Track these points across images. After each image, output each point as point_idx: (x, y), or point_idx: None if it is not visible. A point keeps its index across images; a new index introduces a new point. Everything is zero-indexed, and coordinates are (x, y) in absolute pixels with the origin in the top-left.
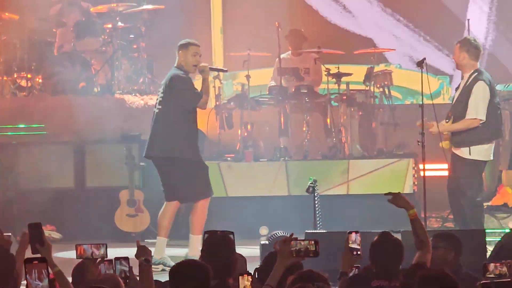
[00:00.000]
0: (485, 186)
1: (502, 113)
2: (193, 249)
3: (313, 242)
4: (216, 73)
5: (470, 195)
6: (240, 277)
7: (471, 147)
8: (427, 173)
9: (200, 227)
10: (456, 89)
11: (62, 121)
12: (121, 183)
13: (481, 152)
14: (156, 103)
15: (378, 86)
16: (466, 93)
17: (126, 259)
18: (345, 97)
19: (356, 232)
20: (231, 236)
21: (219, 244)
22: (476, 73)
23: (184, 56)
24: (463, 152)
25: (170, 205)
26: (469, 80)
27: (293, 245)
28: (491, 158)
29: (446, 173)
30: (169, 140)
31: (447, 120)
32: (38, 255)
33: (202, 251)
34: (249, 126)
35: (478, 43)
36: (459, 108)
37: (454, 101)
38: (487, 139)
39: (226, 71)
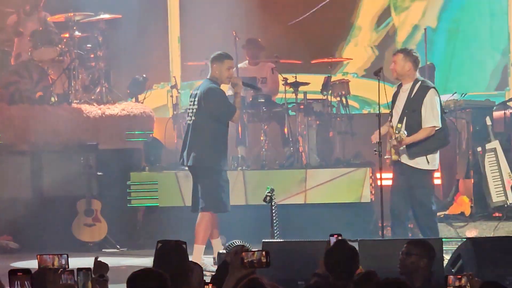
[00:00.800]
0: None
1: (459, 122)
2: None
3: (264, 252)
4: (174, 82)
5: (427, 205)
6: (205, 286)
7: (428, 156)
8: (384, 182)
9: (203, 238)
10: (394, 100)
11: (19, 131)
12: (78, 193)
13: (435, 161)
14: (188, 113)
15: (335, 95)
16: (416, 102)
17: (89, 269)
18: (302, 107)
19: (338, 235)
20: (184, 245)
21: (171, 253)
22: (421, 82)
23: (218, 69)
24: (418, 162)
25: (205, 215)
26: (416, 89)
27: (245, 257)
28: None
29: None
30: (204, 150)
31: (397, 132)
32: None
33: (154, 260)
34: None
35: (418, 54)
36: (412, 117)
37: (401, 112)
38: (440, 146)
39: (259, 89)
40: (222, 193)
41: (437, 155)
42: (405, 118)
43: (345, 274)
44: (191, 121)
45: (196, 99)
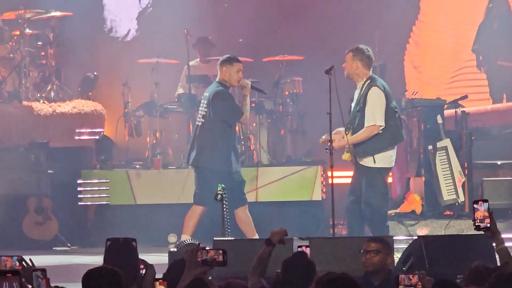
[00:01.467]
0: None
1: (410, 121)
2: None
3: (221, 251)
4: (125, 80)
5: (376, 204)
6: (156, 283)
7: (375, 156)
8: (335, 181)
9: (251, 230)
10: (352, 100)
11: None
12: (29, 191)
13: (385, 159)
14: (199, 115)
15: (286, 93)
16: (361, 101)
17: (44, 270)
18: (253, 104)
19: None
20: (134, 243)
21: (121, 251)
22: (369, 81)
23: (228, 72)
24: (367, 161)
25: (197, 208)
26: (363, 89)
27: (200, 255)
28: (393, 164)
29: None
30: (213, 152)
31: (347, 132)
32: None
33: (104, 259)
34: (157, 134)
35: (371, 52)
36: (357, 118)
37: (352, 111)
38: (389, 145)
39: (266, 93)
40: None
41: (387, 154)
42: (357, 117)
43: (302, 286)
44: (201, 123)
45: (206, 101)
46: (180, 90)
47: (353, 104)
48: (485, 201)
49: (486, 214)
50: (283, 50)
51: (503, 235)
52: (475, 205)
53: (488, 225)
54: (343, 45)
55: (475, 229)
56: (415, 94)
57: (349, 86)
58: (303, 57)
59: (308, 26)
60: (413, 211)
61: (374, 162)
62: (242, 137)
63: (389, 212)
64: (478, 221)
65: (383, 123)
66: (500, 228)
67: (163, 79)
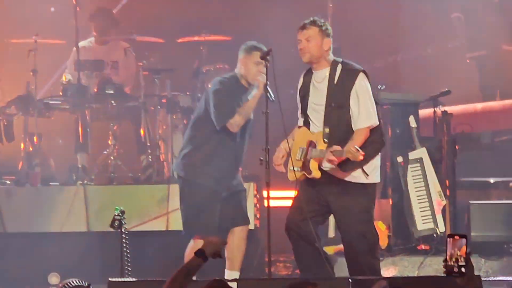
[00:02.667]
0: None
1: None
2: None
3: None
4: None
5: (372, 236)
6: None
7: (364, 167)
8: (273, 203)
9: (238, 260)
10: (304, 94)
11: None
12: None
13: (375, 170)
14: None
15: (209, 86)
16: (343, 93)
17: None
18: (165, 101)
19: None
20: None
21: None
22: (342, 64)
23: (244, 63)
24: (357, 177)
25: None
26: (338, 75)
27: None
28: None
29: None
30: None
31: (326, 140)
32: None
33: None
34: (35, 138)
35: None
36: (339, 116)
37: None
38: (377, 151)
39: (272, 100)
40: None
41: (376, 163)
42: (336, 115)
43: None
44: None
45: None
46: (68, 78)
47: (315, 96)
48: (463, 236)
49: (463, 254)
50: (204, 28)
51: (496, 278)
52: (448, 240)
53: (463, 269)
54: (285, 21)
55: (445, 273)
56: (381, 88)
57: (290, 76)
58: (230, 37)
59: None
60: None
61: (367, 176)
62: (148, 144)
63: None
64: (451, 263)
65: (377, 122)
66: (492, 268)
67: (44, 65)
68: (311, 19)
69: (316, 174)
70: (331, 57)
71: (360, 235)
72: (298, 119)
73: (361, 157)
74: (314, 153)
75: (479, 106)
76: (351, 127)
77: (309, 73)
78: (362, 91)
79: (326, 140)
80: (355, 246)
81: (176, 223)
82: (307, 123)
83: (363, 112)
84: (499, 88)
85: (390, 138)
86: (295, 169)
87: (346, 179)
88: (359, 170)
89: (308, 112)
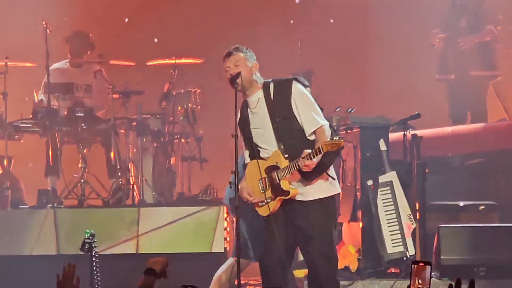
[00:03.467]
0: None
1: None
2: None
3: None
4: None
5: (331, 255)
6: None
7: (328, 172)
8: None
9: None
10: (244, 125)
11: None
12: None
13: (335, 177)
14: None
15: (180, 109)
16: (281, 106)
17: None
18: (135, 124)
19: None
20: None
21: None
22: (273, 81)
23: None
24: (312, 193)
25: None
26: (273, 91)
27: None
28: None
29: None
30: None
31: (286, 156)
32: None
33: None
34: (5, 162)
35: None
36: (285, 127)
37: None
38: (336, 155)
39: None
40: None
41: (333, 171)
42: (285, 128)
43: None
44: None
45: None
46: (41, 97)
47: (259, 122)
48: (428, 263)
49: (426, 282)
50: (175, 51)
51: None
52: (413, 267)
53: None
54: (255, 44)
55: None
56: (351, 111)
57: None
58: (201, 60)
59: (208, 20)
60: (346, 268)
61: (334, 179)
62: (119, 167)
63: None
64: None
65: (326, 121)
66: None
67: (14, 87)
68: (234, 46)
69: (294, 191)
70: (262, 79)
71: (322, 257)
72: (245, 157)
73: (343, 143)
74: (282, 174)
75: (448, 129)
76: (305, 135)
77: (244, 105)
78: (300, 97)
79: (286, 156)
80: (318, 268)
81: (146, 246)
82: (254, 155)
83: (310, 116)
84: (469, 111)
85: (360, 161)
86: (268, 201)
87: (302, 198)
88: (318, 183)
89: (255, 140)
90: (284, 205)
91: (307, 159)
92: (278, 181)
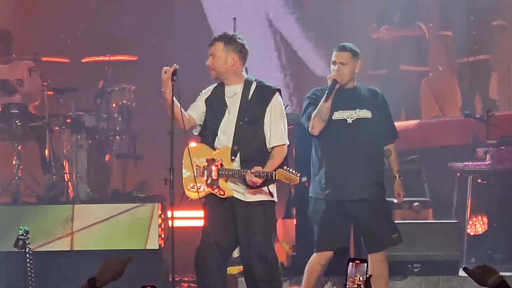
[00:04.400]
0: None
1: None
2: None
3: None
4: None
5: (268, 256)
6: None
7: (270, 186)
8: (178, 223)
9: None
10: (211, 103)
11: None
12: None
13: (275, 189)
14: None
15: (114, 105)
16: (255, 108)
17: None
18: (70, 121)
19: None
20: None
21: None
22: (257, 82)
23: None
24: (256, 195)
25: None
26: (253, 92)
27: None
28: None
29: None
30: None
31: (233, 158)
32: None
33: None
34: None
35: (243, 40)
36: (249, 130)
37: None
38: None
39: None
40: None
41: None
42: (248, 132)
43: None
44: None
45: None
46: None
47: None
48: (364, 261)
49: (361, 279)
50: (109, 48)
51: None
52: (350, 264)
53: None
54: (193, 38)
55: None
56: (286, 108)
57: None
58: (136, 57)
59: (143, 15)
60: (281, 264)
61: (272, 196)
62: (53, 164)
63: None
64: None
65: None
66: None
67: None
68: (221, 33)
69: (230, 193)
70: (244, 75)
71: (260, 258)
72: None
73: (298, 181)
74: (223, 173)
75: None
76: (265, 143)
77: (221, 87)
78: (278, 110)
79: (234, 158)
80: (255, 269)
81: (81, 242)
82: (207, 139)
83: (279, 131)
84: (403, 107)
85: (294, 158)
86: (198, 186)
87: (242, 198)
88: (244, 188)
89: (220, 129)
90: (221, 199)
91: (255, 176)
92: (217, 177)
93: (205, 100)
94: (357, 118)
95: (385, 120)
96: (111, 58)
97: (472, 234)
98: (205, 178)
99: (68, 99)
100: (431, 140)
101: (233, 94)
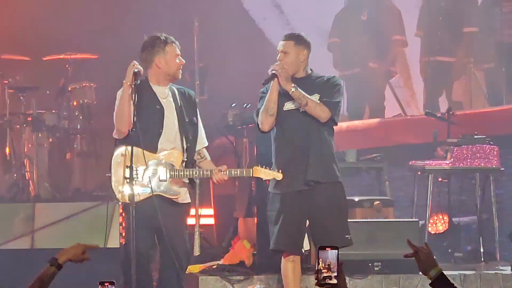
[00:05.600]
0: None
1: (239, 142)
2: None
3: None
4: None
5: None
6: None
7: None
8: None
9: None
10: (147, 104)
11: None
12: None
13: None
14: None
15: (75, 104)
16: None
17: None
18: (30, 119)
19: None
20: None
21: None
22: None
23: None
24: (183, 197)
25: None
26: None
27: None
28: None
29: None
30: None
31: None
32: None
33: None
34: None
35: None
36: (191, 130)
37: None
38: None
39: None
40: None
41: None
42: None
43: None
44: None
45: None
46: None
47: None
48: (335, 248)
49: (334, 266)
50: (70, 46)
51: None
52: (320, 252)
53: (335, 281)
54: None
55: (316, 284)
56: (247, 107)
57: None
58: (97, 56)
59: (104, 13)
60: (241, 263)
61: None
62: (13, 162)
63: (211, 264)
64: (322, 274)
65: None
66: (357, 286)
67: None
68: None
69: (176, 194)
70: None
71: (187, 255)
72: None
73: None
74: (174, 173)
75: (344, 125)
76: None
77: (146, 85)
78: (197, 111)
79: (185, 158)
80: (180, 265)
81: (42, 241)
82: (145, 141)
83: (203, 132)
84: (368, 105)
85: (256, 157)
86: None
87: (174, 198)
88: (185, 190)
89: (164, 129)
90: (151, 200)
91: (224, 174)
92: (166, 179)
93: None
94: None
95: (325, 98)
96: (72, 56)
97: (433, 232)
98: (148, 180)
99: (29, 98)
100: (392, 138)
101: (166, 96)
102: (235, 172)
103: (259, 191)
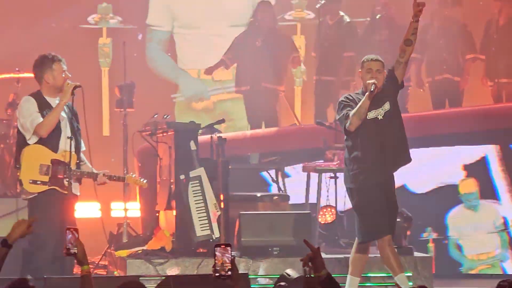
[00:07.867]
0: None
1: (161, 147)
2: None
3: None
4: None
5: None
6: None
7: None
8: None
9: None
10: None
11: None
12: None
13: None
14: None
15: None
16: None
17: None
18: None
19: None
20: None
21: None
22: None
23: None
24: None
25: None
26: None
27: None
28: None
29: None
30: None
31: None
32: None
33: None
34: None
35: None
36: (79, 139)
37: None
38: None
39: None
40: None
41: None
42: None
43: None
44: None
45: None
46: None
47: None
48: (228, 245)
49: (227, 260)
50: (18, 65)
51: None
52: (216, 249)
53: (229, 272)
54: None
55: (214, 276)
56: (166, 117)
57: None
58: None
59: (50, 31)
60: (162, 248)
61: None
62: None
63: (137, 249)
64: (218, 268)
65: None
66: (258, 267)
67: None
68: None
69: (70, 190)
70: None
71: None
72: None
73: (146, 184)
74: (72, 172)
75: (248, 133)
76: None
77: (42, 99)
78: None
79: (79, 161)
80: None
81: None
82: (48, 142)
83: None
84: (263, 119)
85: (174, 159)
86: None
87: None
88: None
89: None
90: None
91: (106, 178)
92: (65, 176)
93: (40, 109)
94: (384, 112)
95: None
96: (20, 76)
97: (322, 222)
98: (49, 176)
99: None
100: (288, 144)
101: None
102: (114, 177)
103: (178, 188)
